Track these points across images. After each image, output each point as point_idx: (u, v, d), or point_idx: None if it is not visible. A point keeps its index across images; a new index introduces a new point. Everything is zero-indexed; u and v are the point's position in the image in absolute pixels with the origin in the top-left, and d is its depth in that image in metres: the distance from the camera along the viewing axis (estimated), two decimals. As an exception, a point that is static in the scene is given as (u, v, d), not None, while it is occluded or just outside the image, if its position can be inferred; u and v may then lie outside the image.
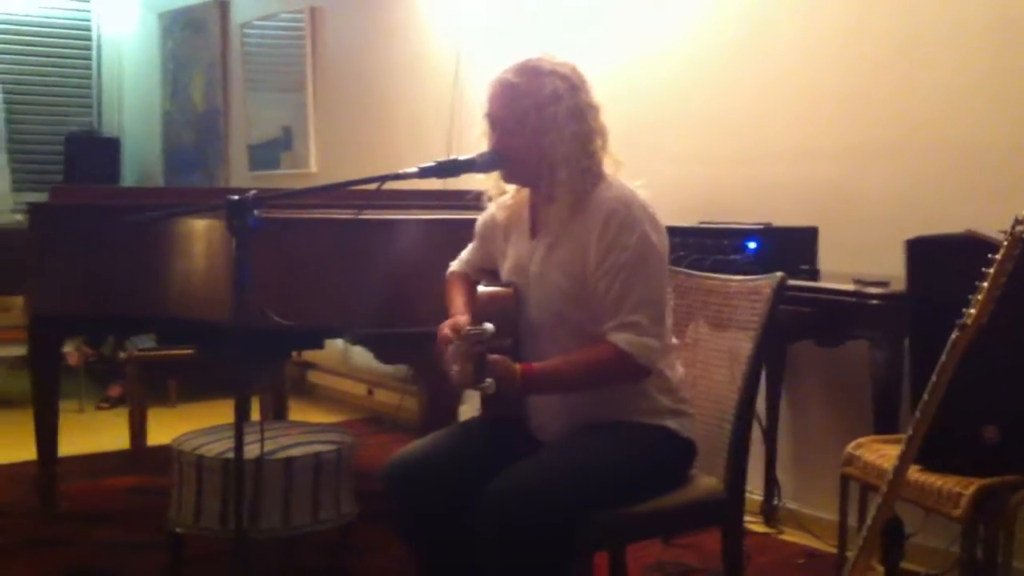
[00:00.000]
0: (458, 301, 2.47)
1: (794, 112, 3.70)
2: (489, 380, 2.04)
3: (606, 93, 2.34)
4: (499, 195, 2.45)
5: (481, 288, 2.40)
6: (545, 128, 2.22)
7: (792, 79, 3.70)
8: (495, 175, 2.40)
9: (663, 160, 4.08)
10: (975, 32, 3.18)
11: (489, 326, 2.07)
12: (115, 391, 5.86)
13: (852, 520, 2.71)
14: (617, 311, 2.18)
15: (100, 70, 8.38)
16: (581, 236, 2.23)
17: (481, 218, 2.56)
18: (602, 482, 2.15)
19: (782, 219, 3.48)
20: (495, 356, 2.08)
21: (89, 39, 8.32)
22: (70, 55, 8.25)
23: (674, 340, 2.41)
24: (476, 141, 2.36)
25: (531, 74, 2.25)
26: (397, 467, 2.27)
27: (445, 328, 2.26)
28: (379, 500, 2.33)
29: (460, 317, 2.33)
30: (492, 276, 2.50)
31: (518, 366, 2.13)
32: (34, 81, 8.01)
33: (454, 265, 2.62)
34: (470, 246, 2.61)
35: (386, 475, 2.27)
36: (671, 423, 2.30)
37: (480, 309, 2.33)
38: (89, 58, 8.33)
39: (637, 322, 2.16)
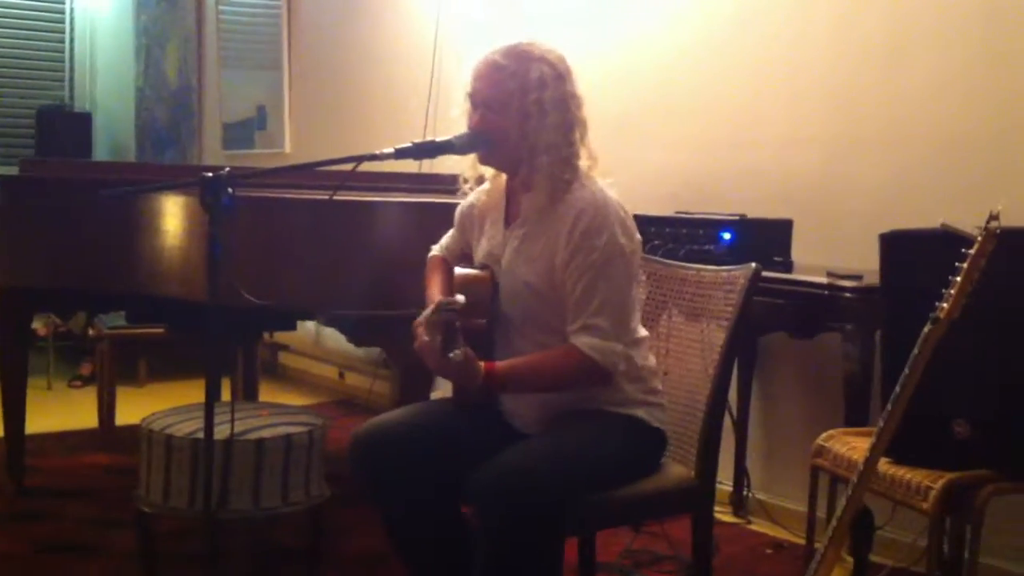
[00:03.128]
0: (434, 288, 2.47)
1: (775, 105, 3.71)
2: (457, 351, 2.01)
3: (589, 81, 2.33)
4: (475, 179, 2.44)
5: (458, 270, 2.40)
6: (529, 113, 2.21)
7: (775, 72, 3.70)
8: (472, 158, 2.39)
9: (644, 148, 4.08)
10: (957, 28, 3.19)
11: (460, 297, 2.05)
12: (87, 369, 5.82)
13: (820, 511, 2.73)
14: (580, 312, 2.17)
15: (73, 43, 8.31)
16: (551, 234, 2.23)
17: (461, 205, 2.55)
18: (583, 469, 2.15)
19: (759, 210, 3.49)
20: (467, 349, 2.06)
21: (62, 12, 8.24)
22: (43, 28, 8.17)
23: (644, 331, 2.41)
24: (455, 121, 2.35)
25: (520, 58, 2.24)
26: (366, 435, 2.27)
27: (419, 327, 2.25)
28: (350, 483, 2.32)
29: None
30: (471, 262, 2.49)
31: (482, 364, 2.12)
32: (5, 54, 7.94)
33: (435, 249, 2.62)
34: (450, 232, 2.60)
35: (353, 441, 2.27)
36: (641, 412, 2.31)
37: (457, 291, 2.32)
38: (62, 31, 8.26)
39: (599, 325, 2.16)
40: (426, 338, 2.08)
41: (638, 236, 2.29)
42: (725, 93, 3.87)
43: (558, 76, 2.24)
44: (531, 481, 2.04)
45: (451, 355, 2.00)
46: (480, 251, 2.43)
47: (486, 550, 2.05)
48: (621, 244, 2.20)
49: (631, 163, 3.99)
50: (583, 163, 2.28)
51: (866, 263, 2.88)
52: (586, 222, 2.18)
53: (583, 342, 2.16)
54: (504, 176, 2.40)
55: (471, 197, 2.49)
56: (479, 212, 2.47)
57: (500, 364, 2.17)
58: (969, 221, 2.07)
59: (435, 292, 2.44)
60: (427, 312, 2.13)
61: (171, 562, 3.00)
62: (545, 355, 2.23)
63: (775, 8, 3.71)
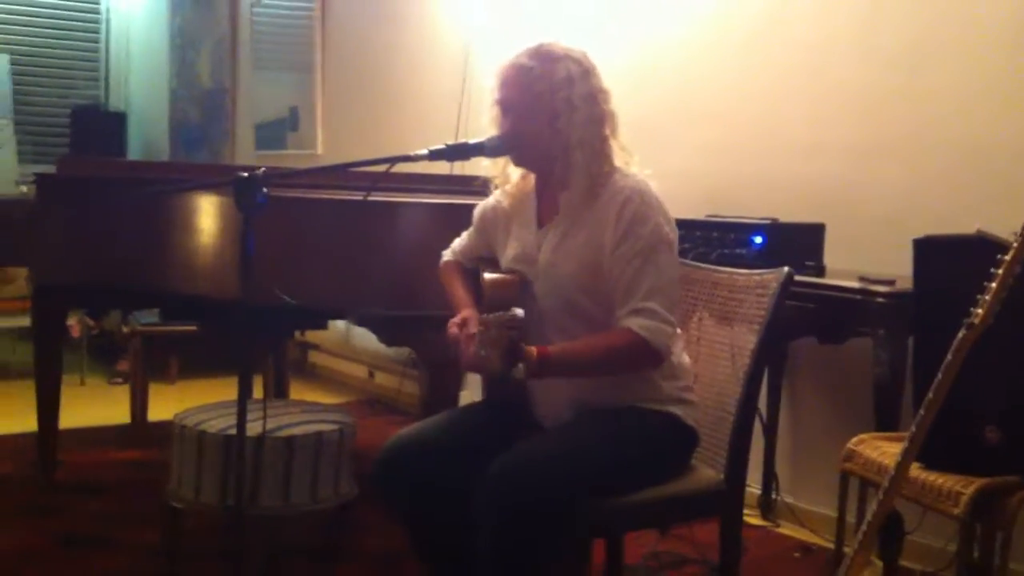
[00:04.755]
0: (460, 292, 2.47)
1: (806, 108, 3.70)
2: (521, 365, 2.02)
3: (617, 84, 2.34)
4: (504, 182, 2.44)
5: (487, 275, 2.39)
6: (559, 112, 2.22)
7: (804, 76, 3.70)
8: (502, 161, 2.39)
9: (673, 152, 4.07)
10: (989, 32, 3.17)
11: (519, 311, 2.03)
12: (124, 365, 5.86)
13: (850, 516, 2.72)
14: (630, 298, 2.17)
15: (108, 44, 8.39)
16: (596, 224, 2.23)
17: (480, 205, 2.55)
18: (603, 465, 2.15)
19: (790, 215, 3.47)
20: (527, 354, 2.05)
21: (98, 12, 8.33)
22: (79, 28, 8.26)
23: (678, 330, 2.40)
24: (486, 127, 2.36)
25: (544, 58, 2.25)
26: (394, 448, 2.26)
27: (453, 326, 2.25)
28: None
29: (467, 311, 2.32)
30: (488, 264, 2.48)
31: (534, 348, 2.10)
32: (42, 53, 8.03)
33: (447, 255, 2.62)
34: (465, 234, 2.60)
35: (383, 456, 2.25)
36: (676, 410, 2.30)
37: (487, 296, 2.32)
38: (97, 31, 8.34)
39: (651, 308, 2.15)
40: (483, 353, 2.01)
41: (676, 226, 2.29)
42: (753, 97, 3.87)
43: (584, 72, 2.25)
44: (534, 476, 2.02)
45: (514, 371, 2.01)
46: (508, 253, 2.42)
47: (484, 547, 2.03)
48: (666, 232, 2.22)
49: (656, 167, 3.96)
50: (618, 159, 2.28)
51: (898, 268, 2.86)
52: (633, 208, 2.19)
53: (635, 323, 2.15)
54: (532, 177, 2.40)
55: (491, 199, 2.49)
56: (504, 215, 2.46)
57: (553, 347, 2.15)
58: (1002, 225, 2.06)
59: (462, 297, 2.44)
60: (480, 328, 2.04)
61: (193, 558, 3.03)
62: (597, 336, 2.22)
63: (803, 11, 3.70)
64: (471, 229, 2.59)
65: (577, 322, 2.27)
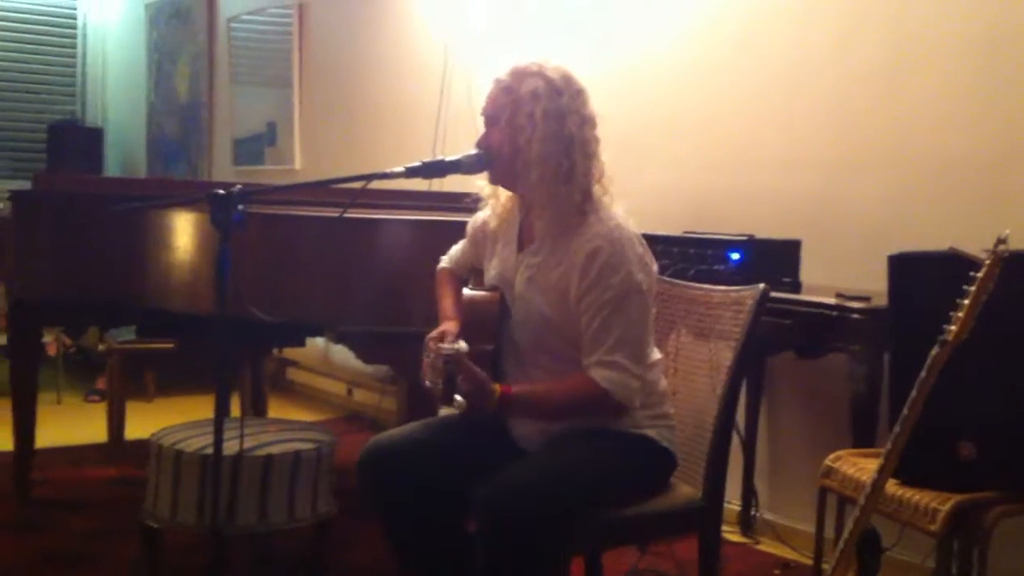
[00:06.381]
0: (447, 303, 2.47)
1: (782, 123, 3.71)
2: (459, 399, 2.04)
3: (595, 99, 2.33)
4: (492, 198, 2.45)
5: (467, 291, 2.40)
6: (521, 126, 2.22)
7: (781, 91, 3.71)
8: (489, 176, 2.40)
9: (650, 167, 4.09)
10: (963, 48, 3.19)
11: (463, 345, 2.05)
12: (102, 383, 5.82)
13: (828, 532, 2.72)
14: (596, 348, 2.18)
15: (85, 59, 8.36)
16: (566, 266, 2.22)
17: (473, 218, 2.55)
18: (586, 486, 2.16)
19: (766, 230, 3.48)
20: (475, 372, 2.08)
21: (74, 27, 8.29)
22: (55, 43, 8.22)
23: (658, 354, 2.41)
24: (465, 139, 2.36)
25: (518, 74, 2.26)
26: (373, 450, 2.31)
27: (431, 340, 2.26)
28: (356, 496, 2.34)
29: (449, 325, 2.33)
30: (481, 276, 2.49)
31: (497, 387, 2.13)
32: (18, 68, 7.99)
33: (444, 261, 2.62)
34: (460, 244, 2.61)
35: (362, 457, 2.30)
36: (651, 432, 2.31)
37: (465, 313, 2.33)
38: (74, 47, 8.31)
39: (616, 361, 2.16)
40: (428, 382, 2.11)
41: (655, 267, 2.29)
42: (730, 112, 3.88)
43: (554, 90, 2.23)
44: (533, 496, 2.05)
45: (453, 403, 2.04)
46: (491, 271, 2.43)
47: (486, 564, 2.05)
48: (637, 281, 2.19)
49: (635, 182, 3.97)
50: (598, 191, 2.26)
51: (873, 283, 2.88)
52: (603, 259, 2.17)
53: (600, 375, 2.16)
54: (519, 198, 2.40)
55: (485, 213, 2.49)
56: (492, 231, 2.46)
57: (516, 388, 2.18)
58: (975, 240, 2.08)
59: (446, 308, 2.45)
60: (429, 355, 2.13)
61: (176, 575, 3.00)
62: (561, 383, 2.24)
63: (780, 28, 3.72)
64: (465, 240, 2.59)
65: (547, 355, 2.29)
